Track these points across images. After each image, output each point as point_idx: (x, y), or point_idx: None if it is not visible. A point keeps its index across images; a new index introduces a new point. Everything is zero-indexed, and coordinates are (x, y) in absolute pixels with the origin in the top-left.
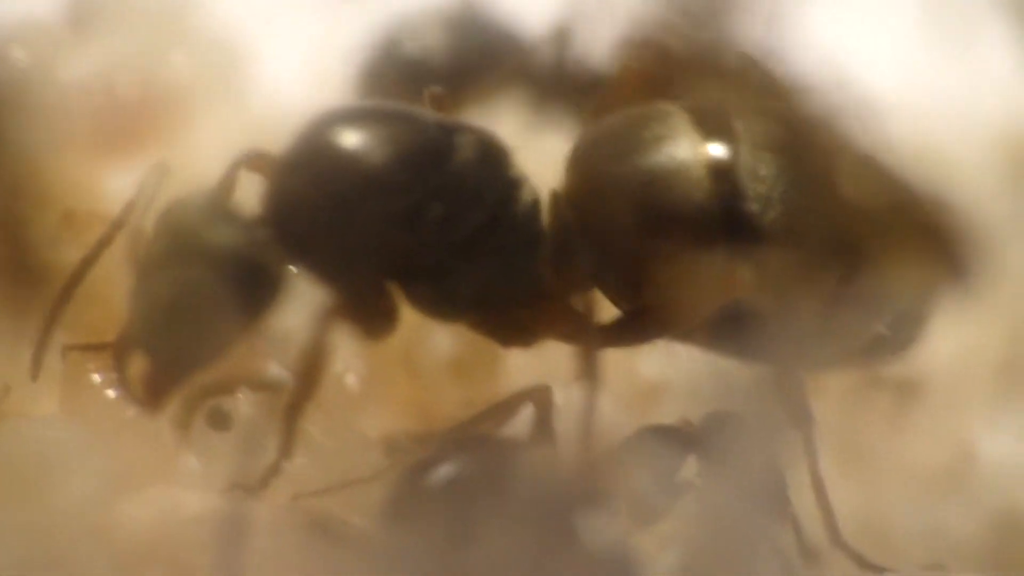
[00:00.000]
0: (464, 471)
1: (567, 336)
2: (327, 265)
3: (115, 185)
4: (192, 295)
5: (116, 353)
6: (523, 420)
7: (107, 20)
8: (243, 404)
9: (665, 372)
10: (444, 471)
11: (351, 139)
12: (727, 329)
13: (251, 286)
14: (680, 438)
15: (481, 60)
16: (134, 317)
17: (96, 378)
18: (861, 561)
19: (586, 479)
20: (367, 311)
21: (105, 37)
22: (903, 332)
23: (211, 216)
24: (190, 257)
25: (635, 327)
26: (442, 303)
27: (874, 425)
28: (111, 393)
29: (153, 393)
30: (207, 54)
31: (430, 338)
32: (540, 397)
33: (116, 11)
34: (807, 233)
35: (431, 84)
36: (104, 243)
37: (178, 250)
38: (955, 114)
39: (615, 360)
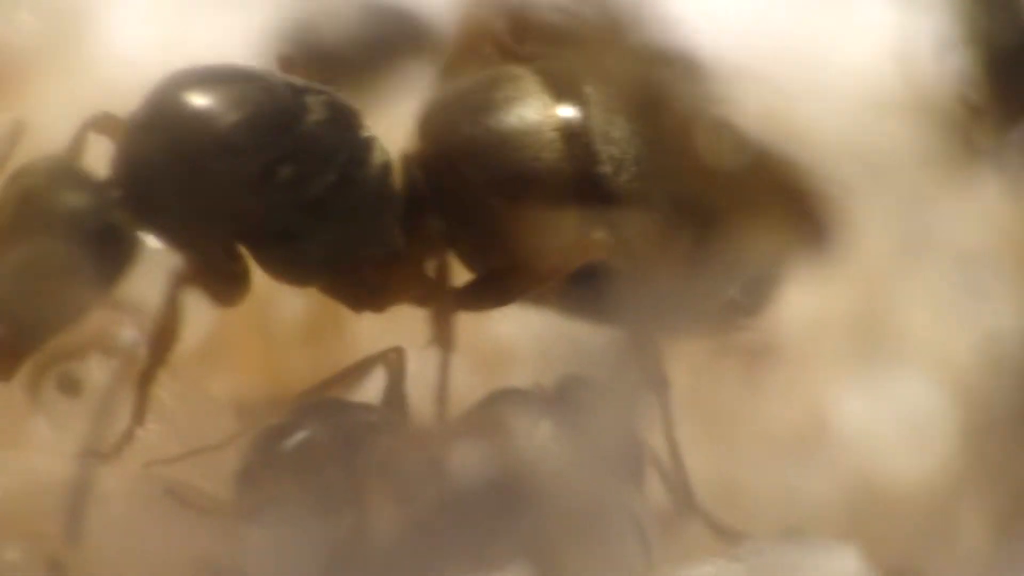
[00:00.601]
0: (316, 436)
1: (419, 299)
2: (177, 229)
3: None
4: (42, 261)
5: None
6: (375, 383)
7: None
8: (95, 369)
9: (518, 335)
10: (296, 437)
11: (199, 101)
12: (581, 292)
13: (102, 251)
14: (532, 402)
15: (390, 41)
16: None
17: None
18: (716, 526)
19: (437, 444)
20: (218, 275)
21: None
22: (756, 295)
23: (59, 180)
24: (39, 223)
25: (488, 290)
26: (292, 266)
27: (728, 389)
28: None
29: (3, 360)
30: (53, 14)
31: (282, 301)
32: (393, 360)
33: None
34: (660, 195)
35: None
36: None
37: (26, 216)
38: (812, 70)
39: (467, 323)
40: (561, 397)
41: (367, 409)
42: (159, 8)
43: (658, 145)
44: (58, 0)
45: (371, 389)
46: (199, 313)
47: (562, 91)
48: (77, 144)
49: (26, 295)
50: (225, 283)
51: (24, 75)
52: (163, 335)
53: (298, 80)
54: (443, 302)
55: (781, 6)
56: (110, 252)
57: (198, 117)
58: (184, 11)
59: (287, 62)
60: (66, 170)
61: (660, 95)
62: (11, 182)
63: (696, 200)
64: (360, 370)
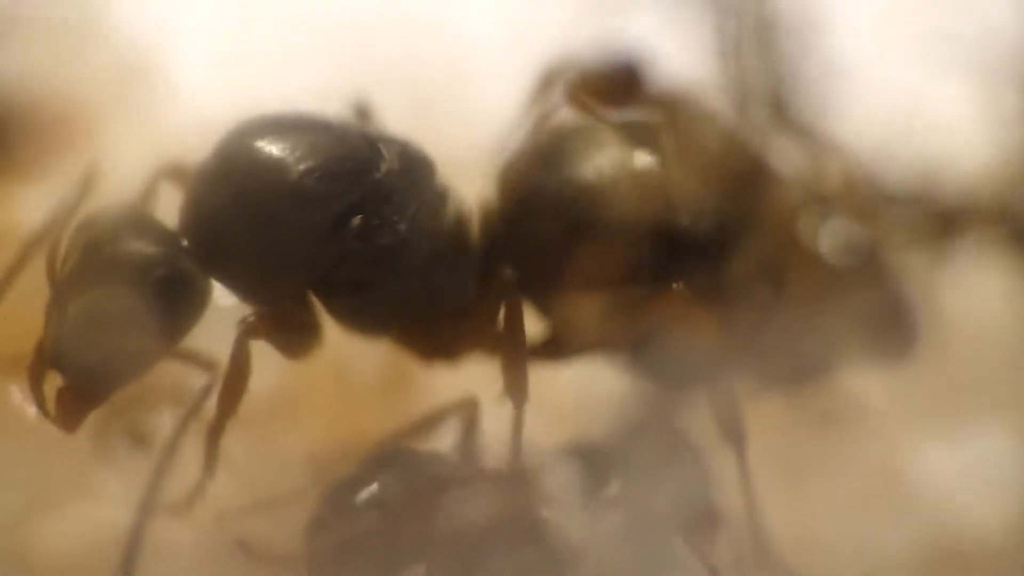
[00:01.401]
0: (388, 489)
1: (493, 351)
2: (246, 279)
3: (27, 197)
4: (108, 311)
5: (31, 371)
6: (449, 435)
7: (18, 30)
8: (164, 421)
9: (591, 389)
10: (368, 490)
11: (269, 149)
12: (654, 348)
13: (169, 302)
14: (604, 456)
15: None
16: (50, 333)
17: (16, 393)
18: None
19: (511, 498)
20: (289, 325)
21: (16, 47)
22: (833, 355)
23: (127, 229)
24: (108, 272)
25: (563, 343)
26: (364, 317)
27: (806, 443)
28: (30, 409)
29: (69, 412)
30: (122, 63)
31: (356, 353)
32: (467, 410)
33: (27, 20)
34: (739, 248)
35: None
36: (25, 257)
37: (94, 264)
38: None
39: (541, 375)
40: (633, 451)
41: (440, 460)
42: (231, 55)
43: (735, 197)
44: (125, 47)
45: (446, 440)
46: (270, 364)
47: (639, 142)
48: (147, 192)
49: (92, 345)
50: (295, 334)
51: (95, 122)
52: (232, 387)
53: (372, 129)
54: (517, 354)
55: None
56: (178, 303)
57: (268, 165)
58: (257, 59)
59: (363, 110)
60: (134, 219)
61: (736, 145)
62: (80, 230)
63: (772, 255)
64: (433, 421)
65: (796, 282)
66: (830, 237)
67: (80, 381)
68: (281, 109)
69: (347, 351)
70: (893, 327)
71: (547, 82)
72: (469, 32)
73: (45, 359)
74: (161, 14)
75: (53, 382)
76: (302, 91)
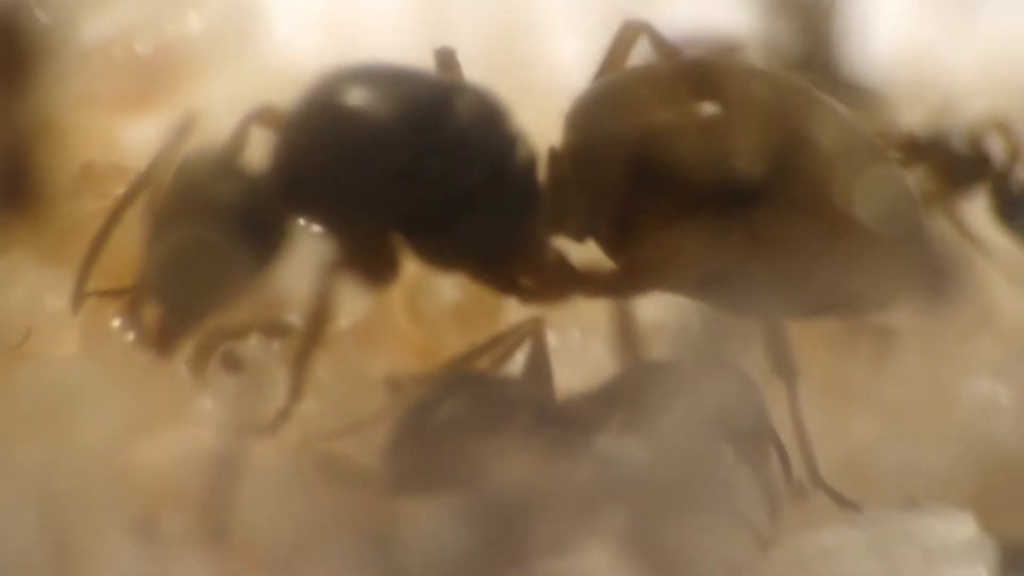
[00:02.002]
0: (460, 410)
1: (562, 287)
2: (333, 216)
3: (132, 138)
4: (201, 248)
5: (131, 301)
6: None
7: None
8: (256, 348)
9: (659, 318)
10: (441, 411)
11: (356, 97)
12: (716, 283)
13: (258, 238)
14: (669, 376)
15: None
16: (148, 268)
17: (115, 322)
18: (840, 500)
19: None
20: (371, 261)
21: (131, 3)
22: (884, 289)
23: (220, 171)
24: (200, 211)
25: (629, 280)
26: (442, 254)
27: (854, 368)
28: (130, 337)
29: (165, 340)
30: (220, 13)
31: (433, 285)
32: (534, 330)
33: None
34: (795, 193)
35: None
36: (132, 195)
37: (189, 204)
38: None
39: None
40: (695, 374)
41: (509, 382)
42: (321, 10)
43: (793, 144)
44: (227, 5)
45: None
46: (356, 296)
47: (703, 90)
48: (239, 135)
49: (185, 280)
50: (377, 268)
51: (193, 69)
52: (318, 317)
53: (450, 78)
54: (604, 289)
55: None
56: (265, 240)
57: (353, 112)
58: (345, 13)
59: (446, 61)
60: (225, 162)
61: (796, 95)
62: (176, 172)
63: (827, 199)
64: (502, 343)
65: (839, 228)
66: (871, 196)
67: (173, 312)
68: (366, 61)
69: (427, 282)
70: (934, 274)
71: (622, 38)
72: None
73: (144, 292)
74: None
75: (148, 314)
76: (387, 44)
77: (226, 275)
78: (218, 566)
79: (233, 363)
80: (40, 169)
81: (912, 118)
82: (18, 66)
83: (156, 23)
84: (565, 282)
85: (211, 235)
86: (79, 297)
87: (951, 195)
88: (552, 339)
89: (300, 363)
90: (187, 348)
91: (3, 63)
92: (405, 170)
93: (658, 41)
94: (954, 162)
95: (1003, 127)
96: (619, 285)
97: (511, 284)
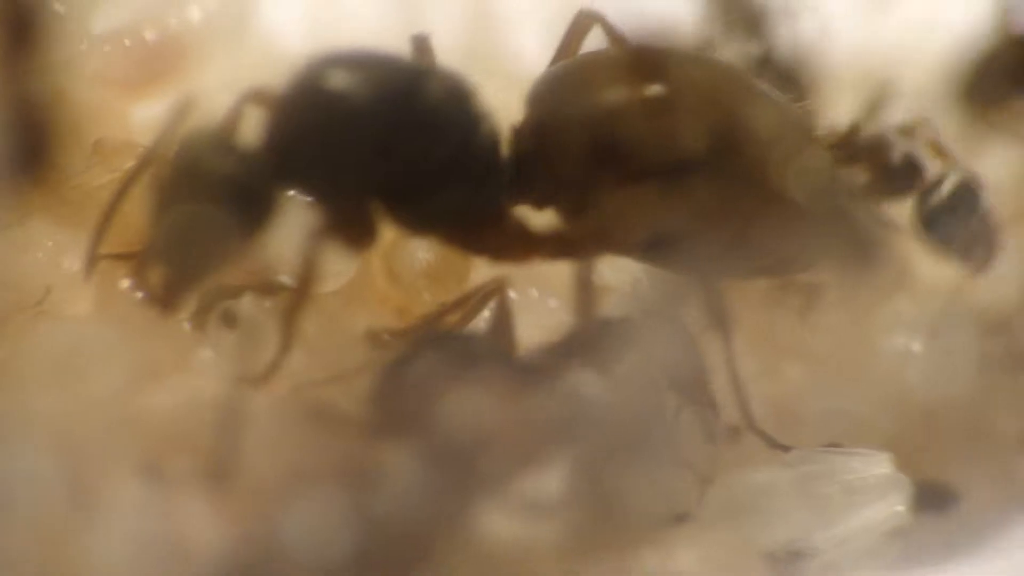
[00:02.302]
0: (436, 361)
1: (523, 251)
2: (319, 187)
3: (139, 116)
4: (200, 218)
5: (139, 264)
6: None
7: None
8: (250, 305)
9: (612, 278)
10: (419, 362)
11: (338, 80)
12: (661, 247)
13: (250, 208)
14: (619, 330)
15: None
16: (154, 234)
17: (125, 283)
18: (770, 441)
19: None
20: (353, 227)
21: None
22: (809, 253)
23: (217, 148)
24: (199, 185)
25: (583, 245)
26: (416, 220)
27: (785, 323)
28: (138, 296)
29: (169, 299)
30: (218, 5)
31: (408, 250)
32: (497, 289)
33: None
34: (731, 167)
35: None
36: (140, 169)
37: (189, 178)
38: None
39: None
40: (642, 328)
41: (476, 336)
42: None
43: (728, 123)
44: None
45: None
46: (341, 260)
47: (648, 73)
48: (235, 113)
49: (186, 245)
50: (358, 234)
51: (194, 55)
52: (306, 278)
53: (422, 62)
54: (557, 251)
55: None
56: (256, 209)
57: (335, 94)
58: (331, 5)
59: (421, 47)
60: (221, 138)
61: (731, 78)
62: (177, 150)
63: (757, 172)
64: (469, 301)
65: (770, 198)
66: (798, 175)
67: (176, 275)
68: (348, 48)
69: (404, 247)
70: (855, 241)
71: (576, 26)
72: None
73: (151, 255)
74: None
75: (154, 275)
76: (369, 32)
77: (222, 242)
78: (217, 503)
79: (230, 319)
80: (57, 144)
81: (851, 109)
82: (32, 48)
83: (161, 14)
84: (526, 246)
85: (209, 206)
86: (93, 260)
87: (882, 198)
88: (514, 297)
89: (289, 319)
90: (189, 305)
91: (17, 45)
92: (382, 145)
93: (609, 30)
94: (888, 170)
95: (934, 142)
96: (574, 249)
97: (478, 246)
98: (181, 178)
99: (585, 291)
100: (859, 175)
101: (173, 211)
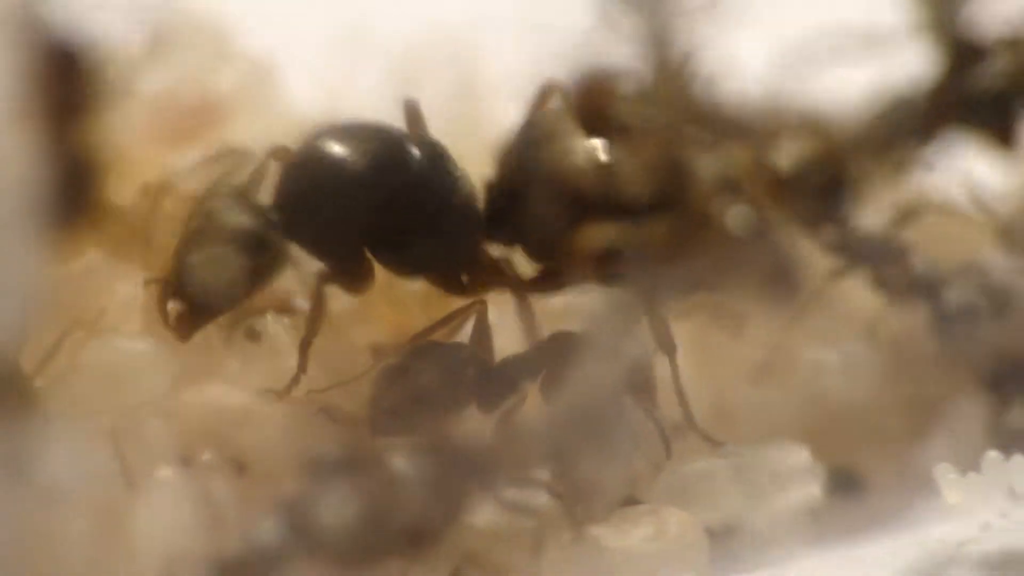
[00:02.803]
0: (427, 368)
1: (495, 285)
2: (320, 241)
3: (178, 165)
4: (215, 262)
5: (160, 297)
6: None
7: (174, 45)
8: (271, 323)
9: (572, 302)
10: (413, 370)
11: (338, 149)
12: (612, 274)
13: (258, 258)
14: (581, 343)
15: None
16: (173, 272)
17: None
18: (709, 438)
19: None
20: (351, 273)
21: (173, 58)
22: (740, 279)
23: (235, 202)
24: (217, 234)
25: (546, 279)
26: (405, 267)
27: (720, 338)
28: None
29: (182, 327)
30: (246, 71)
31: (406, 282)
32: (478, 309)
33: (181, 38)
34: (661, 205)
35: None
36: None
37: (208, 227)
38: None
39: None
40: (599, 340)
41: (460, 347)
42: (325, 68)
43: (659, 170)
44: (249, 60)
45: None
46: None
47: (594, 130)
48: (261, 168)
49: (200, 286)
50: (356, 279)
51: (225, 114)
52: (315, 315)
53: (411, 132)
54: (520, 290)
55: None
56: (263, 259)
57: (337, 161)
58: (341, 70)
59: (412, 115)
60: (240, 194)
61: (685, 161)
62: (203, 197)
63: (689, 209)
64: (455, 319)
65: (712, 240)
66: (734, 216)
67: (191, 308)
68: (351, 118)
69: (400, 279)
70: (779, 280)
71: (540, 95)
72: (489, 67)
73: (169, 289)
74: (277, 36)
75: (173, 306)
76: (369, 100)
77: (232, 284)
78: (240, 488)
79: (254, 334)
80: (109, 188)
81: (779, 153)
82: (89, 107)
83: (198, 78)
84: (497, 281)
85: (224, 252)
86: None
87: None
88: (492, 316)
89: (303, 347)
90: (219, 322)
91: (76, 105)
92: (374, 204)
93: (567, 97)
94: (812, 202)
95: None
96: (539, 283)
97: (456, 285)
98: (202, 227)
99: (527, 314)
100: (787, 209)
101: (193, 254)
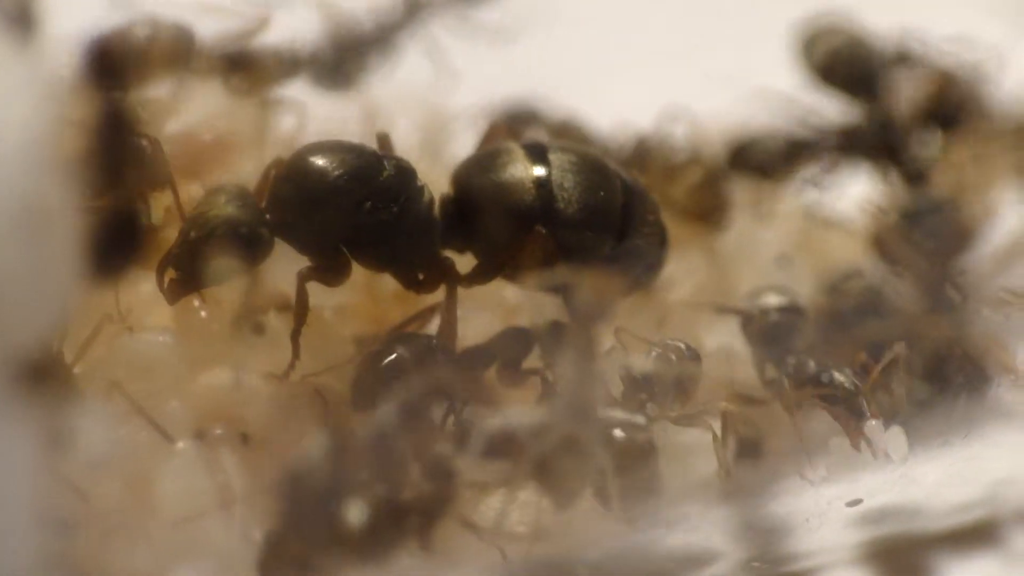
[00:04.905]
0: (399, 356)
1: (448, 283)
2: (304, 239)
3: (195, 192)
4: (210, 244)
5: (159, 266)
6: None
7: (195, 92)
8: (273, 318)
9: (520, 297)
10: (390, 356)
11: (320, 162)
12: (548, 276)
13: (248, 246)
14: (529, 335)
15: None
16: (173, 247)
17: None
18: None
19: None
20: (330, 269)
21: (194, 107)
22: (650, 275)
23: (233, 199)
24: (217, 220)
25: (490, 278)
26: (374, 262)
27: (644, 327)
28: (200, 312)
29: (172, 292)
30: (251, 117)
31: (384, 278)
32: (447, 305)
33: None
34: (593, 221)
35: None
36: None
37: (208, 216)
38: None
39: (490, 291)
40: (547, 334)
41: (430, 338)
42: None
43: (591, 191)
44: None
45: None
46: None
47: (535, 158)
48: (265, 175)
49: (195, 261)
50: (334, 273)
51: (234, 151)
52: (300, 308)
53: (382, 151)
54: (467, 284)
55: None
56: (251, 248)
57: (319, 172)
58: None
59: (383, 138)
60: (238, 193)
61: (595, 161)
62: (207, 193)
63: (614, 224)
64: (425, 315)
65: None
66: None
67: (182, 277)
68: (333, 137)
69: (379, 278)
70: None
71: (489, 130)
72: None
73: (168, 261)
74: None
75: (168, 276)
76: (351, 134)
77: (223, 265)
78: (246, 459)
79: (258, 328)
80: (141, 211)
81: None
82: (122, 144)
83: (213, 121)
84: (450, 280)
85: (220, 239)
86: (161, 286)
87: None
88: (459, 311)
89: (294, 337)
90: (226, 314)
91: (113, 145)
92: (349, 209)
93: (509, 132)
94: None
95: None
96: (484, 280)
97: (413, 281)
98: (206, 210)
99: (450, 314)
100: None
101: (191, 235)
